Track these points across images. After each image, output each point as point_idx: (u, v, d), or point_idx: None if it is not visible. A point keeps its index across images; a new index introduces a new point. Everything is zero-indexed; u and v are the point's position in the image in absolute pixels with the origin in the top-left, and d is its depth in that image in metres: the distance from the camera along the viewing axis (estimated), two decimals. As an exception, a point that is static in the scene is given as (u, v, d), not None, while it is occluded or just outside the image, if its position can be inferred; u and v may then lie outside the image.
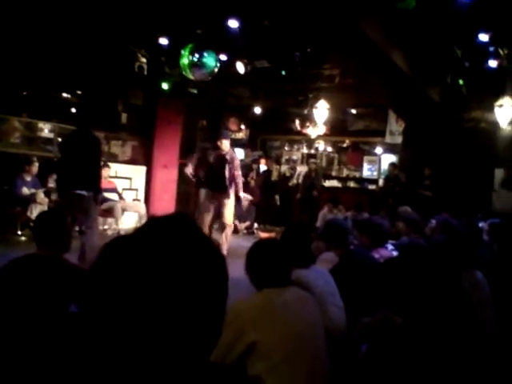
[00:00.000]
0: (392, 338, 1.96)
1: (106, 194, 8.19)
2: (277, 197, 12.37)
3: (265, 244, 2.40)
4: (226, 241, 7.24)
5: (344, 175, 13.53)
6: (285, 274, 2.25)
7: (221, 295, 0.82)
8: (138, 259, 0.77)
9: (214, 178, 7.30)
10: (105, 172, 8.09)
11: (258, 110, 12.79)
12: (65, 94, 11.19)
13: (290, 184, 12.42)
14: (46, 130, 10.00)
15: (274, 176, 13.20)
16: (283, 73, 9.89)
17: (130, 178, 10.49)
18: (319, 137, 13.22)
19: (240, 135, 14.06)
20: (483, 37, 7.47)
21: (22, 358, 1.86)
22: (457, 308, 2.03)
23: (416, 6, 5.82)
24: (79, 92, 11.02)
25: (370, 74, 8.29)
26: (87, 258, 4.76)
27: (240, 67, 9.06)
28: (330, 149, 14.17)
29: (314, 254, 3.16)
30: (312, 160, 12.69)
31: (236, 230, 10.46)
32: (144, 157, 10.96)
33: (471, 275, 2.93)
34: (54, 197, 8.22)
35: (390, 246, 3.98)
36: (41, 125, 9.91)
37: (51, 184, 8.31)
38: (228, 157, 7.28)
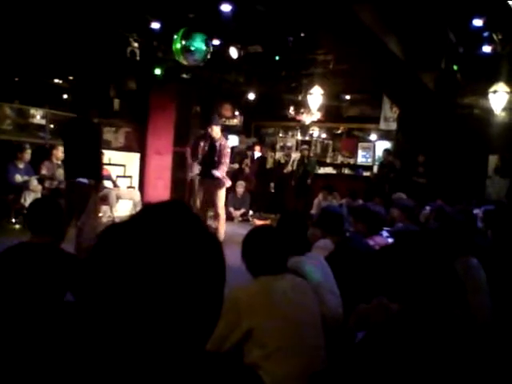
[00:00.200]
0: (388, 325, 1.97)
1: (101, 182, 8.16)
2: (272, 184, 12.37)
3: (261, 231, 2.40)
4: (221, 228, 7.24)
5: (338, 162, 13.53)
6: (281, 262, 2.25)
7: (218, 282, 0.82)
8: (135, 246, 0.76)
9: (205, 166, 7.31)
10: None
11: (251, 96, 12.73)
12: (57, 80, 11.08)
13: (285, 171, 12.40)
14: (38, 117, 9.92)
15: (269, 163, 13.18)
16: (277, 58, 9.84)
17: (123, 165, 10.43)
18: (313, 123, 13.19)
19: (234, 122, 13.99)
20: (477, 22, 7.45)
21: (18, 346, 1.86)
22: (451, 294, 2.04)
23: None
24: (71, 78, 10.91)
25: (364, 59, 8.27)
26: (84, 247, 4.74)
27: (233, 52, 9.00)
28: (324, 135, 14.15)
29: (310, 242, 3.16)
30: (304, 146, 12.66)
31: (231, 218, 10.47)
32: (137, 143, 10.89)
33: (466, 262, 2.94)
34: (47, 184, 8.17)
35: (384, 233, 3.99)
36: (33, 111, 9.83)
37: (44, 171, 8.26)
38: (217, 144, 7.25)
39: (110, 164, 9.67)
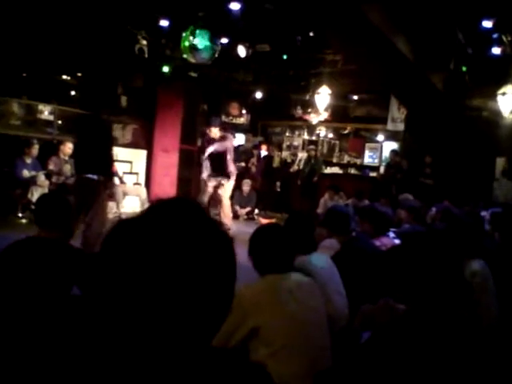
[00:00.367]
0: (394, 326, 1.96)
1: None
2: (277, 183, 12.35)
3: (269, 229, 2.39)
4: (225, 219, 7.26)
5: (345, 162, 13.48)
6: (288, 260, 2.25)
7: (229, 278, 0.81)
8: (146, 242, 0.76)
9: (212, 165, 7.38)
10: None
11: (259, 95, 12.71)
12: (65, 76, 11.12)
13: (291, 170, 12.38)
14: (46, 112, 9.96)
15: (276, 162, 13.17)
16: (285, 57, 9.82)
17: (130, 162, 10.47)
18: (320, 123, 13.16)
19: (241, 120, 13.99)
20: (487, 23, 7.41)
21: (24, 341, 1.86)
22: (459, 296, 2.03)
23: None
24: (79, 74, 10.94)
25: (372, 59, 8.24)
26: (90, 242, 4.76)
27: (241, 51, 8.99)
28: (331, 135, 14.11)
29: (316, 241, 3.16)
30: (311, 146, 12.64)
31: (237, 216, 10.47)
32: (144, 140, 10.92)
33: (473, 264, 2.93)
34: (54, 179, 8.21)
35: (391, 234, 3.98)
36: (41, 107, 9.87)
37: (51, 166, 8.30)
38: (218, 144, 7.30)
39: (116, 160, 9.68)
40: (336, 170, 13.16)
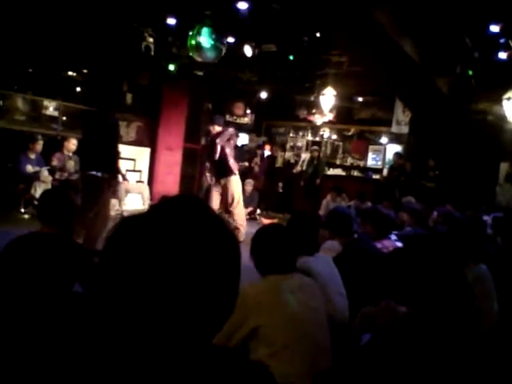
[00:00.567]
0: (395, 328, 1.96)
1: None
2: (280, 184, 12.34)
3: (271, 230, 2.39)
4: (238, 225, 7.20)
5: (348, 164, 13.47)
6: (290, 261, 2.25)
7: (233, 276, 0.82)
8: (152, 239, 0.76)
9: (214, 166, 7.37)
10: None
11: (263, 95, 12.71)
12: (70, 73, 11.13)
13: (295, 171, 12.38)
14: (51, 108, 9.97)
15: (279, 163, 13.16)
16: (291, 58, 9.81)
17: (133, 160, 10.47)
18: (324, 124, 13.15)
19: (245, 120, 13.99)
20: (494, 28, 7.39)
21: (26, 335, 1.87)
22: (460, 300, 2.03)
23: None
24: (85, 71, 10.96)
25: (378, 61, 8.22)
26: (93, 239, 4.76)
27: (248, 50, 8.98)
28: (334, 136, 14.10)
29: (318, 242, 3.16)
30: (314, 147, 12.63)
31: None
32: (148, 138, 10.93)
33: (475, 268, 2.92)
34: (57, 175, 8.22)
35: (393, 237, 3.97)
36: (46, 102, 9.88)
37: (55, 162, 8.31)
38: (218, 139, 7.29)
39: (120, 158, 9.70)
40: (339, 171, 13.15)
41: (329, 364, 2.14)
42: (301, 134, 14.42)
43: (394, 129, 12.27)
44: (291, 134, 14.55)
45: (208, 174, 7.75)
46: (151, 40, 8.84)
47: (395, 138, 12.64)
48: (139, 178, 10.42)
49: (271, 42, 9.17)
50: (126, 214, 7.54)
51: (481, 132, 9.91)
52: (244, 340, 2.01)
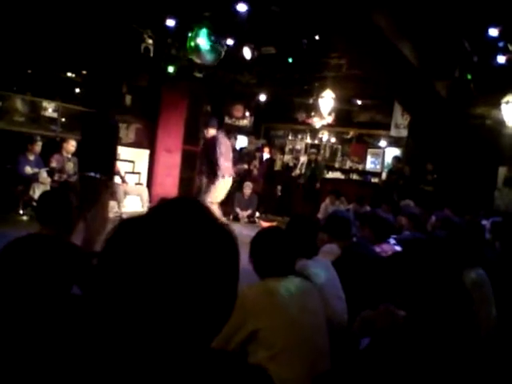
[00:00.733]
0: (393, 332, 1.97)
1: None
2: (279, 187, 12.35)
3: (270, 232, 2.39)
4: None
5: (347, 167, 13.48)
6: (289, 264, 2.25)
7: (232, 279, 0.82)
8: (151, 241, 0.76)
9: (206, 166, 7.41)
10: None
11: (263, 98, 12.72)
12: (69, 74, 11.13)
13: (293, 174, 12.39)
14: (50, 110, 9.97)
15: (278, 166, 13.17)
16: (290, 60, 9.82)
17: (132, 162, 10.47)
18: (323, 127, 13.16)
19: (244, 122, 14.00)
20: (493, 31, 7.41)
21: (24, 337, 1.86)
22: (458, 304, 2.03)
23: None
24: (84, 72, 10.96)
25: (377, 64, 8.24)
26: (91, 241, 4.75)
27: (247, 53, 8.99)
28: (333, 140, 14.12)
29: (317, 246, 3.15)
30: (312, 150, 12.64)
31: (237, 218, 10.48)
32: (147, 140, 10.93)
33: (474, 273, 2.92)
34: (56, 177, 8.22)
35: (392, 241, 3.97)
36: (45, 104, 9.88)
37: (54, 164, 8.31)
38: (210, 144, 7.33)
39: (119, 160, 9.70)
40: (338, 174, 13.16)
41: (327, 367, 2.14)
42: (300, 136, 14.43)
43: (393, 132, 12.29)
44: (290, 137, 14.56)
45: (201, 177, 7.82)
46: (150, 42, 8.84)
47: (394, 142, 12.66)
48: (138, 180, 10.41)
49: (270, 45, 9.18)
50: (124, 216, 7.53)
51: (479, 136, 9.93)
52: (243, 343, 2.01)
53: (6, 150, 8.23)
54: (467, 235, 3.20)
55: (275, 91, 12.36)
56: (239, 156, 11.21)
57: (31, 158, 8.21)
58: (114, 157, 5.48)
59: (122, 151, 9.99)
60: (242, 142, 13.50)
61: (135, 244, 0.76)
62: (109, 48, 9.06)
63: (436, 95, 8.99)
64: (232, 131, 11.58)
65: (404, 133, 11.80)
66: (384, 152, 13.10)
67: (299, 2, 6.91)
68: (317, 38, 8.72)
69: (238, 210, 10.66)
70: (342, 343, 2.48)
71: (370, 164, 13.36)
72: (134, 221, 0.80)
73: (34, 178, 7.97)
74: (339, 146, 13.96)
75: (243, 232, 7.38)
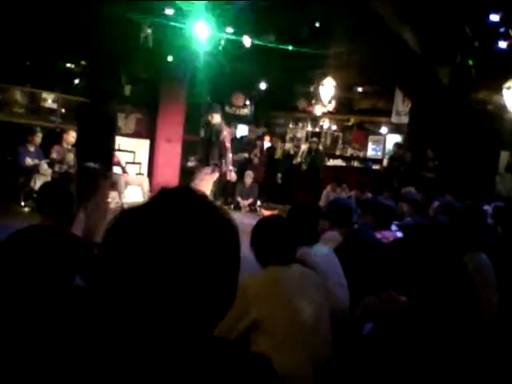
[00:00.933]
0: (396, 318, 1.97)
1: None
2: (279, 175, 12.34)
3: (271, 221, 2.39)
4: None
5: (348, 154, 13.46)
6: (290, 252, 2.25)
7: (233, 267, 0.82)
8: (151, 232, 0.76)
9: (205, 154, 7.37)
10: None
11: (263, 86, 12.66)
12: (69, 65, 11.09)
13: (294, 162, 12.36)
14: (50, 100, 9.95)
15: (278, 154, 13.15)
16: (290, 48, 9.76)
17: (133, 152, 10.45)
18: (324, 115, 13.12)
19: (245, 111, 13.95)
20: (494, 17, 7.37)
21: (27, 329, 1.87)
22: (460, 289, 2.03)
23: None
24: (83, 62, 10.91)
25: (378, 50, 8.19)
26: (91, 231, 4.75)
27: (246, 41, 8.94)
28: (334, 127, 14.08)
29: (318, 233, 3.15)
30: (313, 139, 12.59)
31: (239, 207, 10.48)
32: (148, 130, 10.89)
33: (475, 257, 2.93)
34: (56, 168, 8.21)
35: (393, 227, 3.97)
36: (44, 95, 9.85)
37: (54, 155, 8.30)
38: (219, 135, 7.27)
39: (119, 150, 9.69)
40: (339, 162, 13.14)
41: (330, 354, 2.15)
42: (300, 125, 14.40)
43: (394, 119, 12.26)
44: (291, 125, 14.52)
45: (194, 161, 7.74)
46: (149, 31, 8.79)
47: (395, 128, 12.63)
48: (139, 171, 10.40)
49: (270, 33, 9.12)
50: (125, 206, 7.54)
51: (481, 121, 9.90)
52: (245, 332, 2.01)
53: (6, 141, 8.22)
54: (469, 220, 3.20)
55: (275, 79, 12.29)
56: (240, 145, 11.18)
57: (31, 149, 8.20)
58: (112, 147, 5.45)
59: (123, 141, 9.98)
60: (242, 130, 13.46)
61: (136, 234, 0.76)
62: (108, 38, 9.00)
63: (437, 81, 8.95)
64: (232, 120, 11.55)
65: (405, 119, 11.76)
66: (385, 139, 13.07)
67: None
68: (317, 25, 8.67)
69: (239, 198, 10.66)
70: (344, 330, 2.49)
71: (371, 151, 13.34)
72: (135, 211, 0.80)
73: (35, 169, 7.97)
74: (340, 134, 13.93)
75: (244, 221, 7.38)
